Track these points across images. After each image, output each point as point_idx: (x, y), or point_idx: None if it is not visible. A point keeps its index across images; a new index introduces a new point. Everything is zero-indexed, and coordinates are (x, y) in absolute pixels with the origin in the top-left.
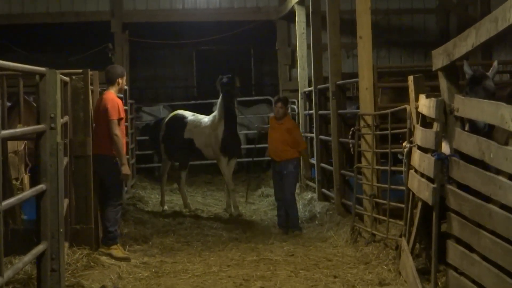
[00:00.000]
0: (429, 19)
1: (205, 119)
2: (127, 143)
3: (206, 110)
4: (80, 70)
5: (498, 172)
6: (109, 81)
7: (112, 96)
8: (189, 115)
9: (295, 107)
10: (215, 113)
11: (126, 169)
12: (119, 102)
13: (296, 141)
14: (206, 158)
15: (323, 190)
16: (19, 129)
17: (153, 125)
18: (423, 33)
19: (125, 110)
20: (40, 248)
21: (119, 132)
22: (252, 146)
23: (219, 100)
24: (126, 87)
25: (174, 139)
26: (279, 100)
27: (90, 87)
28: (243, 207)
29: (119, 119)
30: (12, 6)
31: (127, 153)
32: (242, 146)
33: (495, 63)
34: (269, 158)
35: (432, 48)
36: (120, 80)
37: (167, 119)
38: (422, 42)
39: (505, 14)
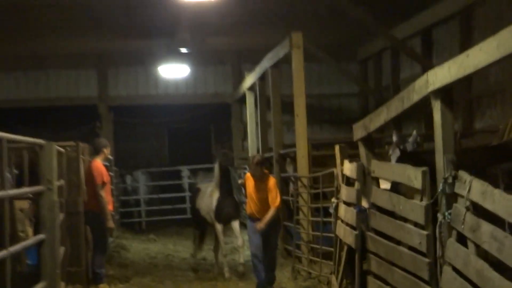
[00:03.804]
0: (353, 101)
1: (209, 188)
2: (112, 201)
3: (174, 174)
4: (73, 143)
5: (406, 220)
6: (96, 151)
7: (98, 164)
8: (203, 186)
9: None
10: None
11: (110, 223)
12: (103, 169)
13: (273, 198)
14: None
15: None
16: (23, 190)
17: (192, 193)
18: (348, 112)
19: (110, 176)
20: (40, 286)
21: (103, 193)
22: None
23: (215, 168)
24: (111, 157)
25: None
26: (258, 163)
27: (81, 156)
28: (206, 252)
29: (103, 183)
30: (20, 91)
31: (112, 210)
32: None
33: (414, 132)
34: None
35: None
36: (105, 150)
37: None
38: (347, 119)
39: (409, 94)
